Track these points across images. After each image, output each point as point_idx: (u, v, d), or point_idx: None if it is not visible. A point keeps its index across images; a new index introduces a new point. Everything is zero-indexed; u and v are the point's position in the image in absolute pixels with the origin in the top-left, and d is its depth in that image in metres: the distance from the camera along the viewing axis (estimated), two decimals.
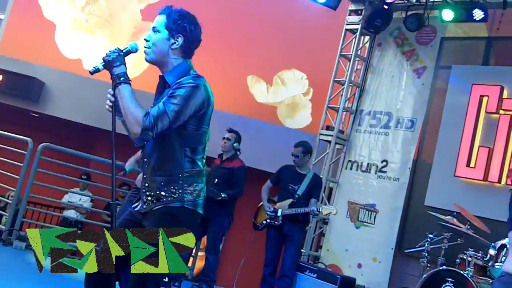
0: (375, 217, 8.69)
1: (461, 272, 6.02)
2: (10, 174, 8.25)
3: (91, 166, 10.57)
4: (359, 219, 8.86)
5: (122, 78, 3.16)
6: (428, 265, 6.74)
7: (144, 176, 3.35)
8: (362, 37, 9.55)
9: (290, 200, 7.08)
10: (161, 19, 3.32)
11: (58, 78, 11.07)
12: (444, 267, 6.25)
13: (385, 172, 8.75)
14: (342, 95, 9.41)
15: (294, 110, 11.60)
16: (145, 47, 3.30)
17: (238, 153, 7.35)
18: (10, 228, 7.85)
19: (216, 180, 7.12)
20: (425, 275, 6.28)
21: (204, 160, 3.35)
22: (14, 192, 8.13)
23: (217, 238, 7.24)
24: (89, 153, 9.76)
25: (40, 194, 8.76)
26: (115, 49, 3.22)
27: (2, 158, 8.42)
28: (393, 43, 9.23)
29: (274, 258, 7.26)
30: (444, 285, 6.02)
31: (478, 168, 7.98)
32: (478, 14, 7.99)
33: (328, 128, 9.41)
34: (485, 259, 6.23)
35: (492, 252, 6.15)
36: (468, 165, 8.08)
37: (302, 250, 8.93)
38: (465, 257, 6.33)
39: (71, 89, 10.93)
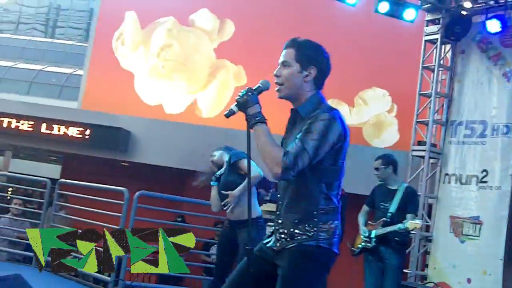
0: (480, 229, 8.34)
1: None
2: (110, 225, 8.36)
3: (183, 208, 10.66)
4: (463, 233, 8.52)
5: (258, 118, 3.10)
6: None
7: (278, 213, 3.27)
8: (443, 46, 9.26)
9: (383, 220, 6.75)
10: (290, 52, 3.23)
11: (142, 126, 11.29)
12: None
13: (486, 182, 8.38)
14: (430, 108, 9.15)
15: (380, 129, 11.41)
16: (277, 83, 3.23)
17: None
18: (116, 278, 7.91)
19: None
20: None
21: (339, 197, 3.23)
22: None
23: None
24: (180, 195, 9.86)
25: None
26: (247, 89, 3.16)
27: (101, 210, 8.55)
28: (477, 48, 8.89)
29: (374, 283, 6.88)
30: None
31: None
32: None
33: (419, 143, 9.15)
34: None
35: None
36: None
37: (407, 271, 8.64)
38: None
39: (156, 135, 11.12)
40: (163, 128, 11.15)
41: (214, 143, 10.92)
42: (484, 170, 8.44)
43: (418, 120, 9.31)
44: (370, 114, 11.46)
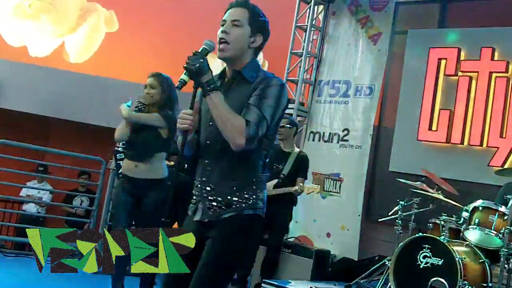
0: (340, 186, 8.70)
1: (438, 238, 6.02)
2: None
3: (46, 158, 10.30)
4: (325, 189, 8.84)
5: (212, 86, 2.92)
6: (401, 232, 6.77)
7: (204, 179, 3.08)
8: (316, 6, 9.41)
9: (276, 181, 6.88)
10: (243, 13, 3.11)
11: (4, 69, 10.67)
12: (421, 234, 6.25)
13: (347, 140, 8.75)
14: (300, 67, 9.32)
15: None
16: (222, 39, 3.06)
17: None
18: None
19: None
20: (401, 244, 6.26)
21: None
22: None
23: None
24: (44, 144, 9.51)
25: None
26: (195, 54, 2.95)
27: None
28: (347, 11, 9.13)
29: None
30: (421, 251, 6.01)
31: (440, 130, 8.01)
32: None
33: (288, 101, 9.32)
34: (459, 222, 6.26)
35: (465, 215, 6.19)
36: (430, 128, 8.11)
37: None
38: (438, 222, 6.33)
39: (19, 79, 10.56)
40: (27, 72, 10.61)
41: (82, 90, 10.62)
42: (346, 129, 8.79)
43: (288, 78, 9.47)
44: None
